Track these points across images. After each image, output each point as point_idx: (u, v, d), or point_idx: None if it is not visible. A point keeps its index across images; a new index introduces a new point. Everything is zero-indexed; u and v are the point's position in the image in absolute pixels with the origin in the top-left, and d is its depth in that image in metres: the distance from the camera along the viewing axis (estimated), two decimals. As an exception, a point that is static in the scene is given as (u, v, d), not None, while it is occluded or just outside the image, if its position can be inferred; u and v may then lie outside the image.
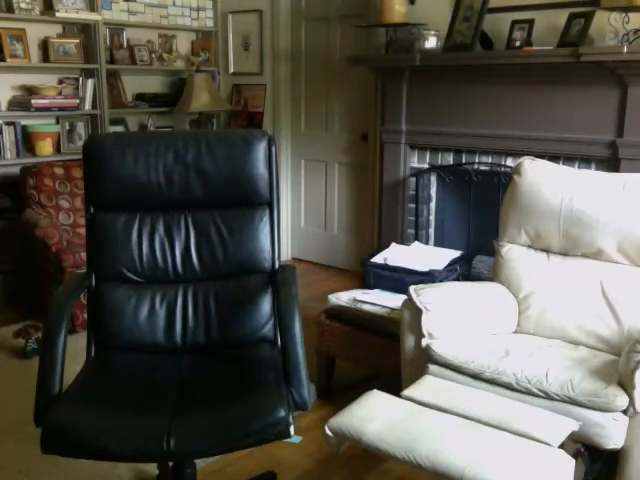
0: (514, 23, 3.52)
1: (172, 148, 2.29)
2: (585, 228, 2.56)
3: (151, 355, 2.23)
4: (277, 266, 2.36)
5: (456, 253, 3.26)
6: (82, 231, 3.93)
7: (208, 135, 2.36)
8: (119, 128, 4.91)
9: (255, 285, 2.33)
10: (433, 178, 4.07)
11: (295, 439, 2.65)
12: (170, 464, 2.23)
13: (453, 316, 2.54)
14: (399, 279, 3.02)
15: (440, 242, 4.04)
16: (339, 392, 2.99)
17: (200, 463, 2.30)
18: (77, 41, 4.57)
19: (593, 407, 2.08)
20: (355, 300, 3.02)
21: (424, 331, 2.48)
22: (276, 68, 5.10)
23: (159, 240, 2.31)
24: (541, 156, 2.94)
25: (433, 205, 4.13)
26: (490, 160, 3.74)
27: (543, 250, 2.72)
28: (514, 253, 2.76)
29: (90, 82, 4.63)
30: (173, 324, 2.28)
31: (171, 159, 2.28)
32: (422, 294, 2.53)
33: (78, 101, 4.58)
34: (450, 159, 3.92)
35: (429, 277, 2.97)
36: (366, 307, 2.97)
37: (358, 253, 4.59)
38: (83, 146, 2.32)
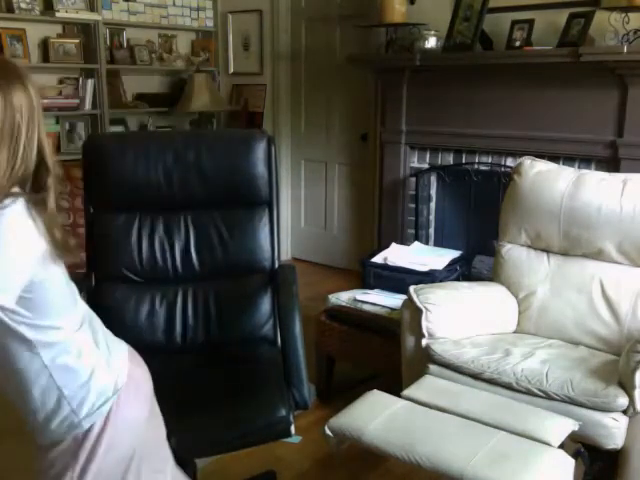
0: (514, 23, 3.51)
1: (172, 148, 2.29)
2: (585, 228, 2.56)
3: (151, 355, 2.23)
4: (277, 266, 2.36)
5: (456, 253, 3.26)
6: (82, 231, 3.91)
7: (208, 135, 2.37)
8: (119, 128, 4.91)
9: (255, 285, 2.33)
10: (433, 178, 4.07)
11: (295, 439, 2.64)
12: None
13: (453, 316, 2.54)
14: (399, 279, 3.02)
15: (440, 242, 4.03)
16: (339, 392, 2.98)
17: (200, 463, 2.29)
18: (77, 41, 4.57)
19: (593, 407, 2.08)
20: (355, 300, 3.02)
21: (424, 331, 2.48)
22: (276, 68, 5.09)
23: (159, 240, 2.31)
24: (541, 156, 2.94)
25: (433, 205, 4.12)
26: (490, 160, 3.73)
27: (543, 250, 2.72)
28: (514, 253, 2.76)
29: (90, 82, 4.63)
30: (173, 324, 2.28)
31: (171, 159, 2.28)
32: (422, 294, 2.53)
33: (78, 101, 4.58)
34: (450, 159, 3.92)
35: (429, 277, 2.96)
36: (366, 307, 2.97)
37: (358, 253, 4.59)
38: (83, 146, 2.32)
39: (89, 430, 1.32)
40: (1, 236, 1.11)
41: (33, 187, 1.20)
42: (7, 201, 1.13)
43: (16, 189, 1.17)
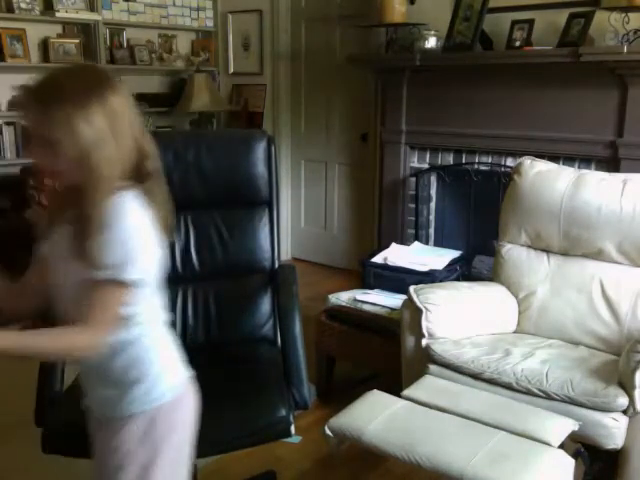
0: (514, 23, 3.51)
1: (172, 148, 2.29)
2: (585, 228, 2.56)
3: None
4: (277, 266, 2.36)
5: (456, 253, 3.26)
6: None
7: (208, 135, 2.37)
8: (119, 128, 4.90)
9: (255, 285, 2.33)
10: (433, 178, 4.07)
11: (295, 439, 2.65)
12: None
13: (453, 316, 2.54)
14: (399, 279, 3.02)
15: (440, 242, 4.03)
16: (339, 392, 2.99)
17: (200, 463, 2.29)
18: (77, 41, 4.57)
19: (593, 407, 2.08)
20: (355, 300, 3.02)
21: (424, 331, 2.48)
22: (276, 68, 5.09)
23: (159, 240, 2.31)
24: (541, 156, 2.94)
25: (433, 205, 4.12)
26: (490, 160, 3.73)
27: (543, 250, 2.72)
28: (514, 253, 2.76)
29: (90, 82, 4.62)
30: (173, 324, 2.28)
31: (171, 159, 2.28)
32: (422, 294, 2.53)
33: (78, 101, 4.57)
34: (450, 159, 3.92)
35: (429, 277, 2.96)
36: (366, 307, 2.97)
37: (358, 253, 4.59)
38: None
39: (160, 408, 1.39)
40: (128, 222, 1.26)
41: (138, 178, 1.32)
42: (121, 192, 1.26)
43: (124, 182, 1.29)
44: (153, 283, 1.38)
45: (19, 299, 1.45)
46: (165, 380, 1.41)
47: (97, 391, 1.42)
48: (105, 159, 1.23)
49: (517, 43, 3.48)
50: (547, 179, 2.67)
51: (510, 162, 3.58)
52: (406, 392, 2.17)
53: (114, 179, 1.26)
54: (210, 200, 2.33)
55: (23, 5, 4.24)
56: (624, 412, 2.07)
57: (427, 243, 4.00)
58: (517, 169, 2.77)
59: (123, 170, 1.28)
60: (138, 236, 1.28)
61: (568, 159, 3.39)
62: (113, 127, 1.24)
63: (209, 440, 1.83)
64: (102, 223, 1.23)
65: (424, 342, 2.48)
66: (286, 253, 5.25)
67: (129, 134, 1.29)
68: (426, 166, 4.03)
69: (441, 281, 2.96)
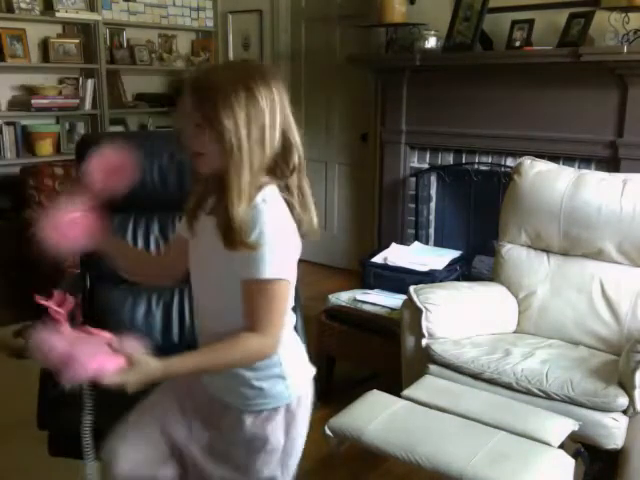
0: (514, 23, 3.51)
1: (167, 148, 2.29)
2: (585, 228, 2.56)
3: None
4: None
5: (456, 253, 3.26)
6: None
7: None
8: (119, 128, 4.91)
9: (255, 285, 2.32)
10: (433, 178, 4.07)
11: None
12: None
13: (453, 316, 2.54)
14: (399, 279, 3.02)
15: (440, 242, 4.03)
16: (339, 392, 2.98)
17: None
18: (77, 41, 4.57)
19: (593, 407, 2.08)
20: (355, 300, 3.02)
21: (424, 331, 2.48)
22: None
23: (154, 240, 2.31)
24: (541, 156, 2.94)
25: (433, 205, 4.12)
26: (490, 160, 3.73)
27: (543, 250, 2.72)
28: (514, 253, 2.76)
29: (90, 82, 4.63)
30: (170, 324, 2.28)
31: (166, 159, 2.27)
32: (422, 294, 2.53)
33: (78, 101, 4.57)
34: (450, 159, 3.92)
35: (429, 277, 2.96)
36: (366, 307, 2.97)
37: (358, 253, 4.58)
38: (76, 146, 2.31)
39: (295, 404, 1.46)
40: (277, 221, 1.29)
41: (281, 172, 1.33)
42: (266, 191, 1.30)
43: (266, 178, 1.32)
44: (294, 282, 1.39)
45: (158, 273, 1.61)
46: (300, 376, 1.48)
47: (228, 386, 1.43)
48: (247, 146, 1.26)
49: (517, 43, 3.48)
50: (547, 179, 2.67)
51: (510, 162, 3.58)
52: (406, 392, 2.17)
53: (257, 169, 1.28)
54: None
55: (23, 5, 4.24)
56: (624, 412, 2.07)
57: (427, 243, 4.00)
58: (517, 169, 2.77)
59: (266, 161, 1.30)
60: (286, 234, 1.31)
61: (568, 159, 3.39)
62: (256, 117, 1.27)
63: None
64: (249, 220, 1.25)
65: (424, 342, 2.48)
66: (286, 253, 5.24)
67: (275, 125, 1.30)
68: (426, 166, 4.03)
69: (441, 281, 2.96)
